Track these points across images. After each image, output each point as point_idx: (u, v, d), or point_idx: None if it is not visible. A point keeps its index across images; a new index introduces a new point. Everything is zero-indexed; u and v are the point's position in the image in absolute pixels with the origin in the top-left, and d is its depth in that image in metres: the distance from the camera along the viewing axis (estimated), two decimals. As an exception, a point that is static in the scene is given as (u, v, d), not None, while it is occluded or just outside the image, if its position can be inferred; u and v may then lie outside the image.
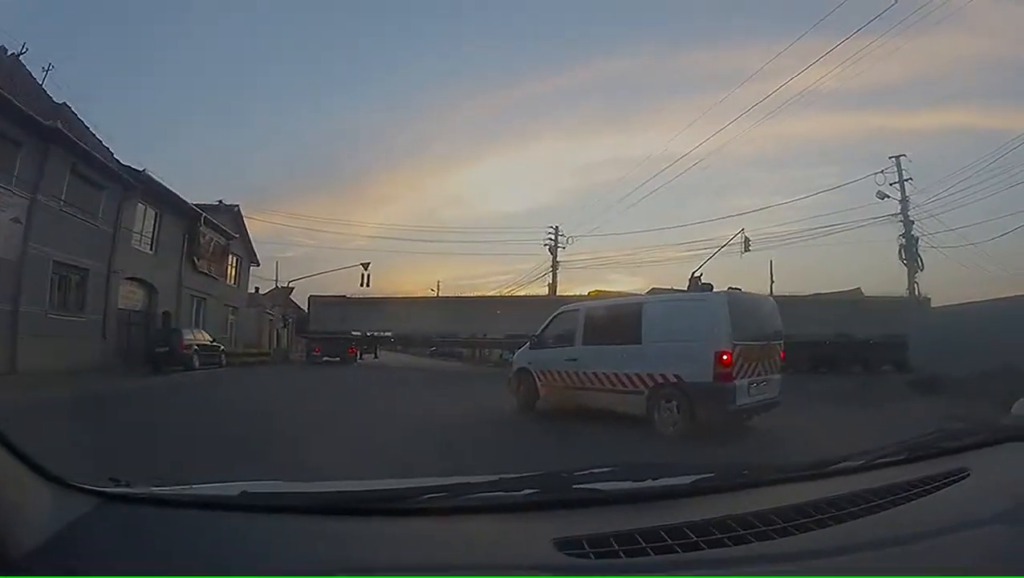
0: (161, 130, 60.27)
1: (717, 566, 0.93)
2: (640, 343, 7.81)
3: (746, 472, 1.51)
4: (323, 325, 27.32)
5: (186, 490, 1.18)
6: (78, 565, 0.85)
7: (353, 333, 27.60)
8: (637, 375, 7.67)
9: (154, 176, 20.41)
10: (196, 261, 24.64)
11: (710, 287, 8.06)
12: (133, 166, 19.60)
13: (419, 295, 35.64)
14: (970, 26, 52.51)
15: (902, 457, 1.50)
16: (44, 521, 0.91)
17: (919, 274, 23.15)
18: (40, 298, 15.80)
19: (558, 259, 31.83)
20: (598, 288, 19.62)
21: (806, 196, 54.19)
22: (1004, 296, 14.21)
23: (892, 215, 23.35)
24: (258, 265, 33.54)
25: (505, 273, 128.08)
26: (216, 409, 9.95)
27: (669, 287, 13.06)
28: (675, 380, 7.36)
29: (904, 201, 23.27)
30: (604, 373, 8.10)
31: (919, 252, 23.16)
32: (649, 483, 1.31)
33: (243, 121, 69.59)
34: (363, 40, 68.56)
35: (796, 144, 65.41)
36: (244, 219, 30.59)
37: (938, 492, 1.24)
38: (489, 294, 32.01)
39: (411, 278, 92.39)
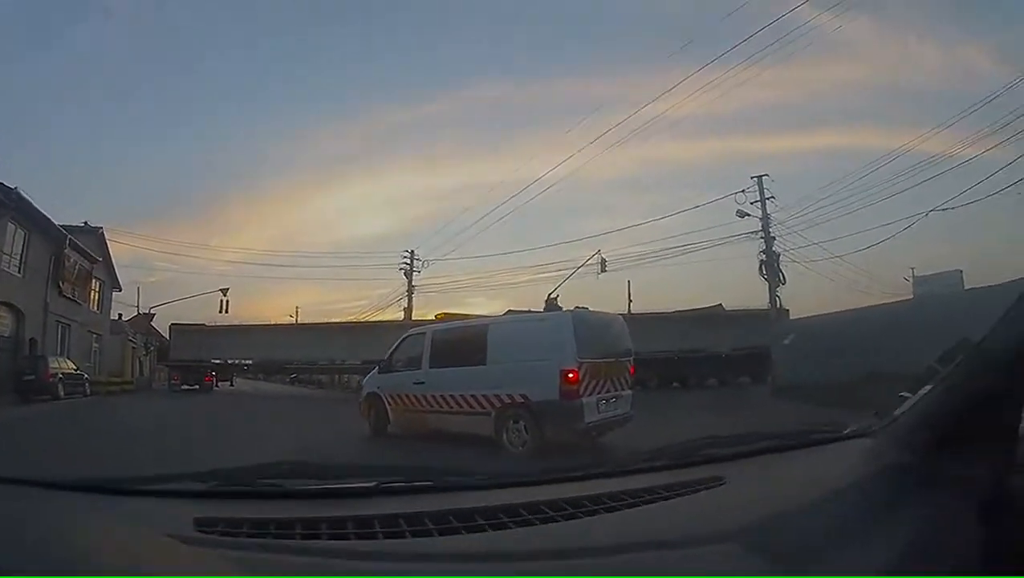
0: (18, 144, 52.39)
1: (349, 556, 0.97)
2: (485, 364, 7.77)
3: (456, 477, 1.49)
4: (182, 353, 27.20)
5: None
6: None
7: (214, 361, 27.30)
8: (484, 396, 7.59)
9: (24, 195, 19.13)
10: (61, 285, 23.18)
11: (560, 308, 8.22)
12: (5, 183, 18.31)
13: (278, 322, 35.38)
14: (833, 53, 57.89)
15: (661, 463, 1.55)
16: None
17: (782, 288, 24.09)
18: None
19: (414, 283, 31.53)
20: (447, 311, 19.04)
21: (663, 216, 56.92)
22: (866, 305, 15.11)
23: (752, 232, 24.30)
24: (120, 290, 32.21)
25: (363, 298, 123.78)
26: (82, 436, 9.98)
27: (526, 309, 13.25)
28: (522, 400, 7.30)
29: (765, 218, 24.26)
30: (451, 395, 7.98)
31: (780, 267, 24.10)
32: (330, 483, 1.43)
33: (105, 137, 62.96)
34: (221, 66, 64.82)
35: (658, 167, 69.12)
36: (108, 242, 29.11)
37: (690, 496, 1.24)
38: (346, 320, 31.75)
39: (271, 304, 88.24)
